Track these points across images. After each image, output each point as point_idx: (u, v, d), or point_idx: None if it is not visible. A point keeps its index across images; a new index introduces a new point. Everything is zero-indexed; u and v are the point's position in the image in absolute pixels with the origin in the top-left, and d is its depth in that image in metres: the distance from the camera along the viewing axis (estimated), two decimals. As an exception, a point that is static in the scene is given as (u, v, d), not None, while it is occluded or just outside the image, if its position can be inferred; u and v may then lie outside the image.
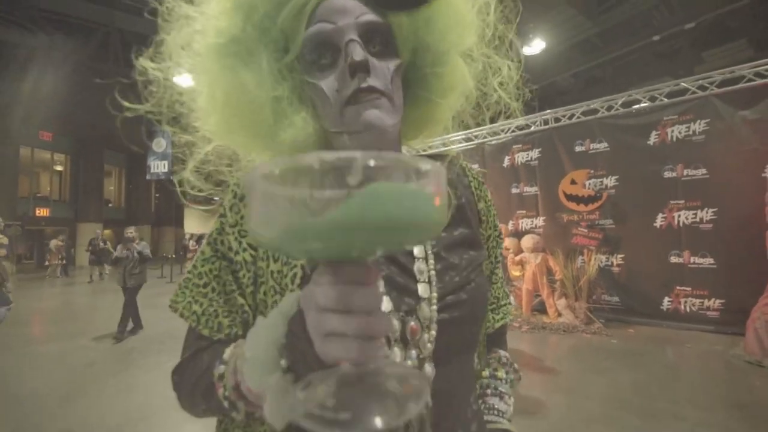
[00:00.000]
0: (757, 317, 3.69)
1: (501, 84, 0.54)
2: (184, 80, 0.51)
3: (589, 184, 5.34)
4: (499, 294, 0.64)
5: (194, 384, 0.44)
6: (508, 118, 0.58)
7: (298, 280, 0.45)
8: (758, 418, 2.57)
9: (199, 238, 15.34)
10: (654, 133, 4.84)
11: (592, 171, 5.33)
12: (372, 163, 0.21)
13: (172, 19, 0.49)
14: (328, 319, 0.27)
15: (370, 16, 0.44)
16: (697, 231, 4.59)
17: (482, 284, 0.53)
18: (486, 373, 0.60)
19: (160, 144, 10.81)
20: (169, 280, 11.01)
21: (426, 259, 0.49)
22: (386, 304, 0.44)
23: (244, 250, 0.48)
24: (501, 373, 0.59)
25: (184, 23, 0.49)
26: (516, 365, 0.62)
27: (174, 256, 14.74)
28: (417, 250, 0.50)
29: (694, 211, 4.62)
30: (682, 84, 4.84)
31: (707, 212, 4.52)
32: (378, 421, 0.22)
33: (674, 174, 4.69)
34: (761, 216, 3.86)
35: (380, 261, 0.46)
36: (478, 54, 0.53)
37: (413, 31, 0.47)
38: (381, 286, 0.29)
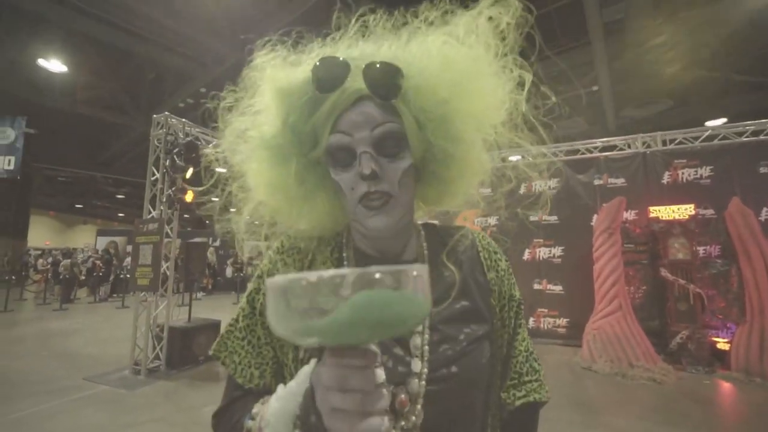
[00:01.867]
0: (588, 332, 4.88)
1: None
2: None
3: (477, 221, 6.35)
4: (522, 369, 0.60)
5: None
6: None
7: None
8: (591, 411, 3.41)
9: (51, 258, 12.10)
10: (523, 185, 6.07)
11: (479, 210, 6.35)
12: (359, 278, 0.27)
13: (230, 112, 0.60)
14: (331, 396, 0.32)
15: (382, 128, 0.50)
16: (551, 264, 5.87)
17: (479, 357, 0.53)
18: None
19: (5, 134, 8.52)
20: (1, 309, 8.54)
21: (422, 333, 0.52)
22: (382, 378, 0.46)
23: None
24: None
25: (238, 118, 0.59)
26: None
27: (13, 278, 11.01)
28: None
29: (550, 248, 5.91)
30: (542, 149, 6.25)
31: (558, 249, 5.84)
32: None
33: (536, 218, 5.96)
34: (590, 254, 5.19)
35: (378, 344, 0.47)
36: (502, 135, 0.57)
37: (425, 134, 0.53)
38: (379, 365, 0.32)
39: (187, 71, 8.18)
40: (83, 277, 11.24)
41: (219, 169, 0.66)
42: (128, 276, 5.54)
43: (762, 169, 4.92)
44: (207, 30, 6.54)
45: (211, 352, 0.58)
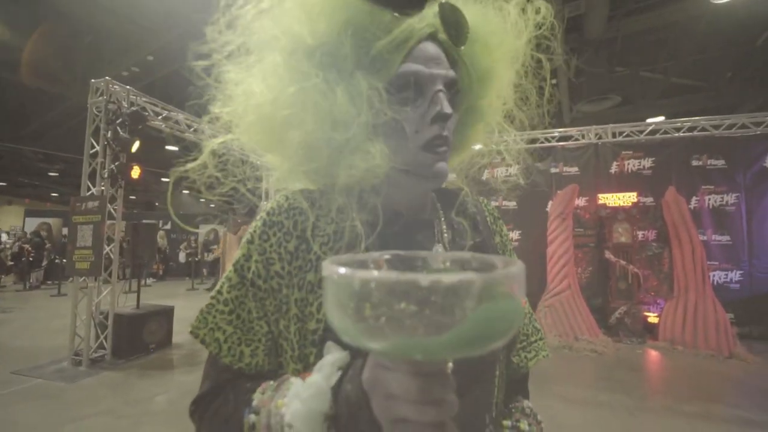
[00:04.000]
0: (540, 309, 5.22)
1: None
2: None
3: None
4: (527, 330, 0.60)
5: (222, 426, 0.44)
6: None
7: (323, 309, 0.44)
8: (542, 381, 3.64)
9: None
10: (486, 171, 6.26)
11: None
12: (487, 287, 0.21)
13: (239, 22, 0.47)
14: (400, 406, 0.28)
15: (452, 73, 0.47)
16: (509, 247, 6.15)
17: None
18: (508, 423, 0.55)
19: None
20: None
21: None
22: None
23: (272, 278, 0.48)
24: (524, 425, 0.55)
25: (253, 25, 0.47)
26: (539, 416, 0.57)
27: None
28: None
29: (509, 233, 6.19)
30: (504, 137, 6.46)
31: (516, 233, 6.11)
32: None
33: (497, 203, 6.18)
34: (545, 237, 5.50)
35: None
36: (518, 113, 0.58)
37: (470, 93, 0.52)
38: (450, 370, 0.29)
39: (132, 36, 7.38)
40: (11, 263, 10.08)
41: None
42: (65, 261, 5.02)
43: (694, 162, 5.45)
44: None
45: (189, 330, 0.50)
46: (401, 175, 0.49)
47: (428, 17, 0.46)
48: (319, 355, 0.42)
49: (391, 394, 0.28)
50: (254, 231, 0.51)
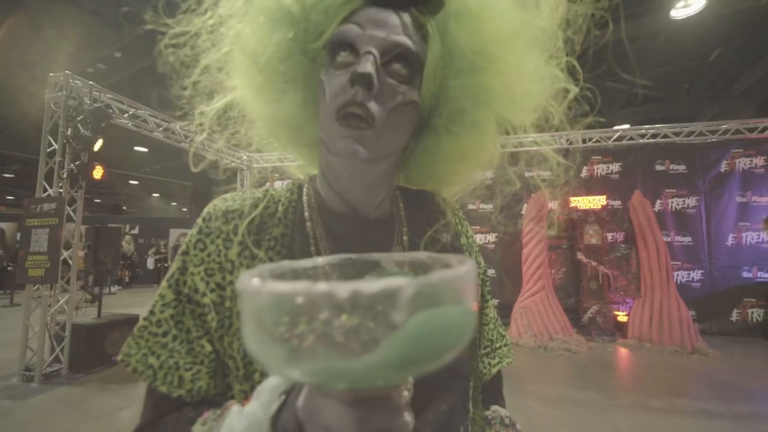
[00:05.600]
0: (516, 310, 5.31)
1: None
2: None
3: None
4: (492, 336, 0.58)
5: None
6: None
7: None
8: (518, 381, 3.69)
9: None
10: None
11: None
12: (420, 293, 0.17)
13: None
14: None
15: (402, 38, 0.41)
16: (485, 249, 6.23)
17: None
18: None
19: None
20: None
21: None
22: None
23: (212, 290, 0.43)
24: None
25: None
26: (518, 425, 0.54)
27: None
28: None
29: (485, 234, 6.27)
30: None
31: (492, 236, 6.21)
32: None
33: (474, 207, 6.27)
34: (519, 240, 5.62)
35: None
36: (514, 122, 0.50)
37: (444, 75, 0.45)
38: (406, 387, 0.25)
39: (97, 31, 7.01)
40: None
41: None
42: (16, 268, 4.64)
43: (657, 167, 5.75)
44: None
45: (118, 358, 0.44)
46: (328, 153, 0.45)
47: None
48: (265, 375, 0.37)
49: (326, 426, 0.24)
50: (189, 241, 0.46)
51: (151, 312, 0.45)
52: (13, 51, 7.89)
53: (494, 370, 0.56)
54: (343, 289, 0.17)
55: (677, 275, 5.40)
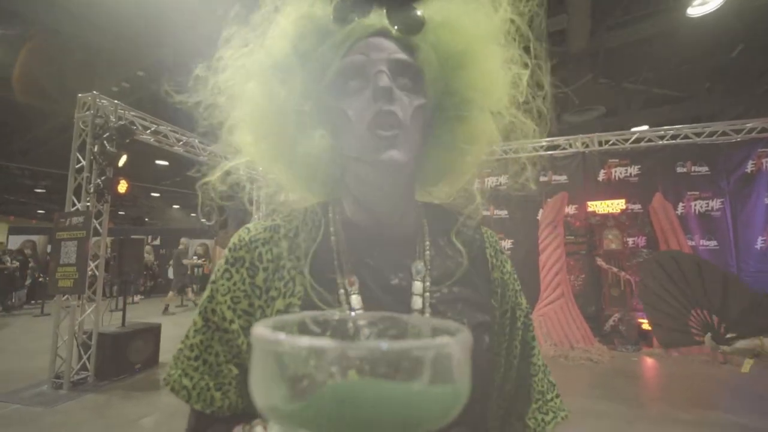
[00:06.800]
0: (534, 318, 5.17)
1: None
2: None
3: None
4: (542, 387, 0.54)
5: None
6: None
7: None
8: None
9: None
10: (477, 181, 6.35)
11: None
12: (340, 357, 0.17)
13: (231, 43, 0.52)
14: None
15: (401, 55, 0.47)
16: (502, 256, 6.16)
17: (480, 343, 0.48)
18: None
19: None
20: None
21: (423, 311, 0.47)
22: None
23: (239, 317, 0.47)
24: None
25: (241, 47, 0.52)
26: None
27: None
28: (415, 303, 0.47)
29: (501, 241, 6.20)
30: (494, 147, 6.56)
31: (508, 242, 6.13)
32: None
33: (488, 212, 6.22)
34: (536, 246, 5.52)
35: None
36: (506, 113, 0.53)
37: (442, 76, 0.50)
38: None
39: (122, 52, 7.38)
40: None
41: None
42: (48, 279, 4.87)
43: (678, 169, 5.56)
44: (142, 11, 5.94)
45: (163, 377, 0.50)
46: (356, 165, 0.48)
47: (371, 19, 0.47)
48: None
49: None
50: (218, 270, 0.50)
51: (186, 336, 0.49)
52: (46, 74, 8.38)
53: (549, 428, 0.52)
54: (303, 340, 0.18)
55: (704, 281, 5.18)
